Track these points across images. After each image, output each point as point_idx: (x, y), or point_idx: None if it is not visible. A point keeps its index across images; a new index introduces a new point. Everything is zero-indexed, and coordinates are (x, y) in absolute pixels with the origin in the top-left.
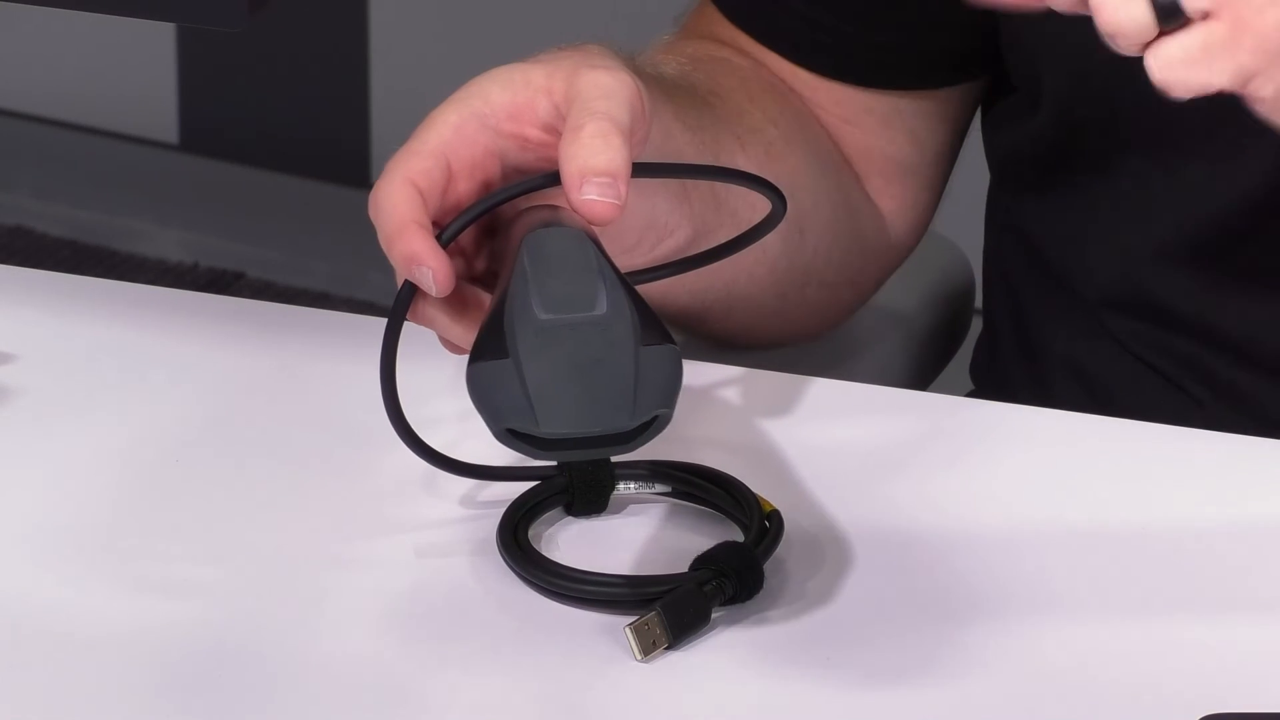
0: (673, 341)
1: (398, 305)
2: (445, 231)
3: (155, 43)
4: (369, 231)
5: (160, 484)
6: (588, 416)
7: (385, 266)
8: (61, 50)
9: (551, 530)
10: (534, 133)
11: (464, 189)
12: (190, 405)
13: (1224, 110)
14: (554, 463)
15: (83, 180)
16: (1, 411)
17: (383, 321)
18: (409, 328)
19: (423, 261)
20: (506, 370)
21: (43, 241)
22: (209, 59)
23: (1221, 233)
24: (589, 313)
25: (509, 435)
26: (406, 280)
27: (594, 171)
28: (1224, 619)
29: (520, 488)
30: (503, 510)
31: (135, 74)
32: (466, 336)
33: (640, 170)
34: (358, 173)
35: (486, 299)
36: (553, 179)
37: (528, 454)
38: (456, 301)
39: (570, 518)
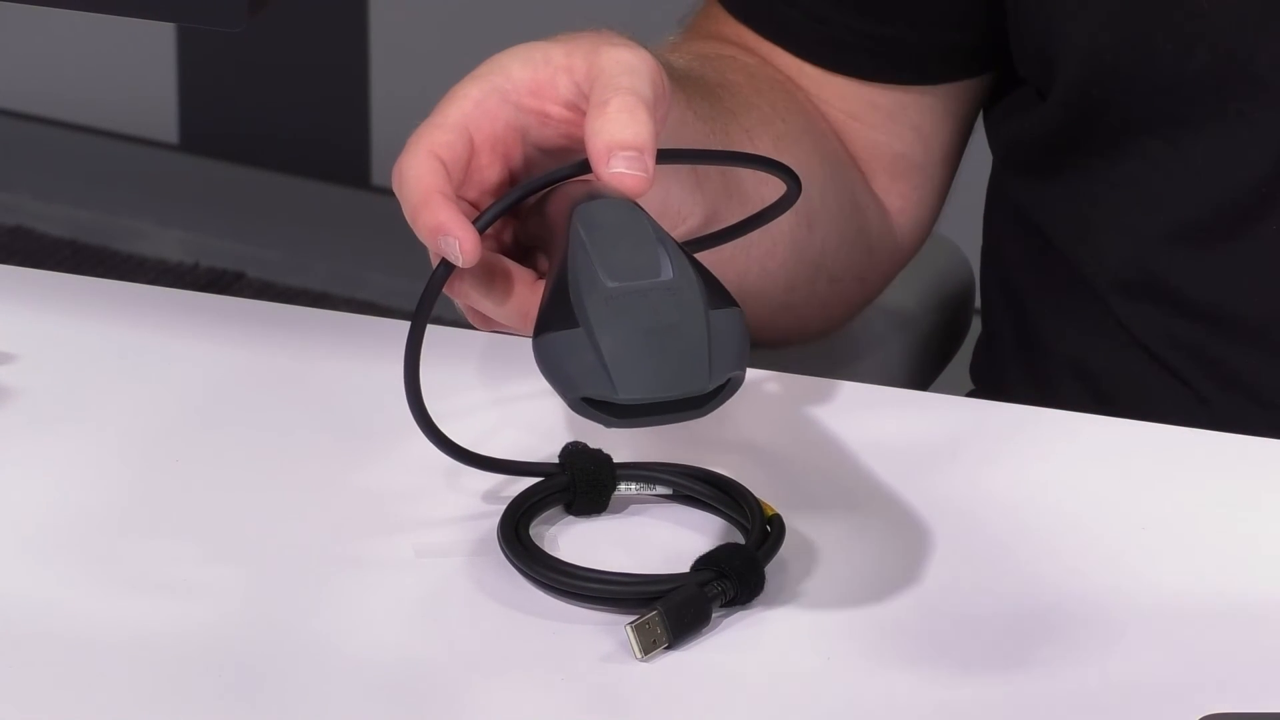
0: (736, 304)
1: (432, 284)
2: (479, 220)
3: (155, 43)
4: (369, 231)
5: (160, 484)
6: (665, 381)
7: (385, 267)
8: (61, 50)
9: (553, 529)
10: (555, 109)
11: (486, 163)
12: (190, 405)
13: (1234, 90)
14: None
15: (83, 180)
16: (1, 411)
17: (383, 321)
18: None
19: (449, 231)
20: (578, 339)
21: (43, 241)
22: (209, 59)
23: (1232, 213)
24: (656, 278)
25: (584, 404)
26: (442, 261)
27: (621, 145)
28: (1224, 619)
29: (522, 484)
30: (502, 509)
31: (135, 74)
32: (497, 308)
33: (661, 156)
34: (358, 173)
35: (515, 270)
36: (583, 167)
37: (603, 423)
38: (485, 273)
39: (571, 517)
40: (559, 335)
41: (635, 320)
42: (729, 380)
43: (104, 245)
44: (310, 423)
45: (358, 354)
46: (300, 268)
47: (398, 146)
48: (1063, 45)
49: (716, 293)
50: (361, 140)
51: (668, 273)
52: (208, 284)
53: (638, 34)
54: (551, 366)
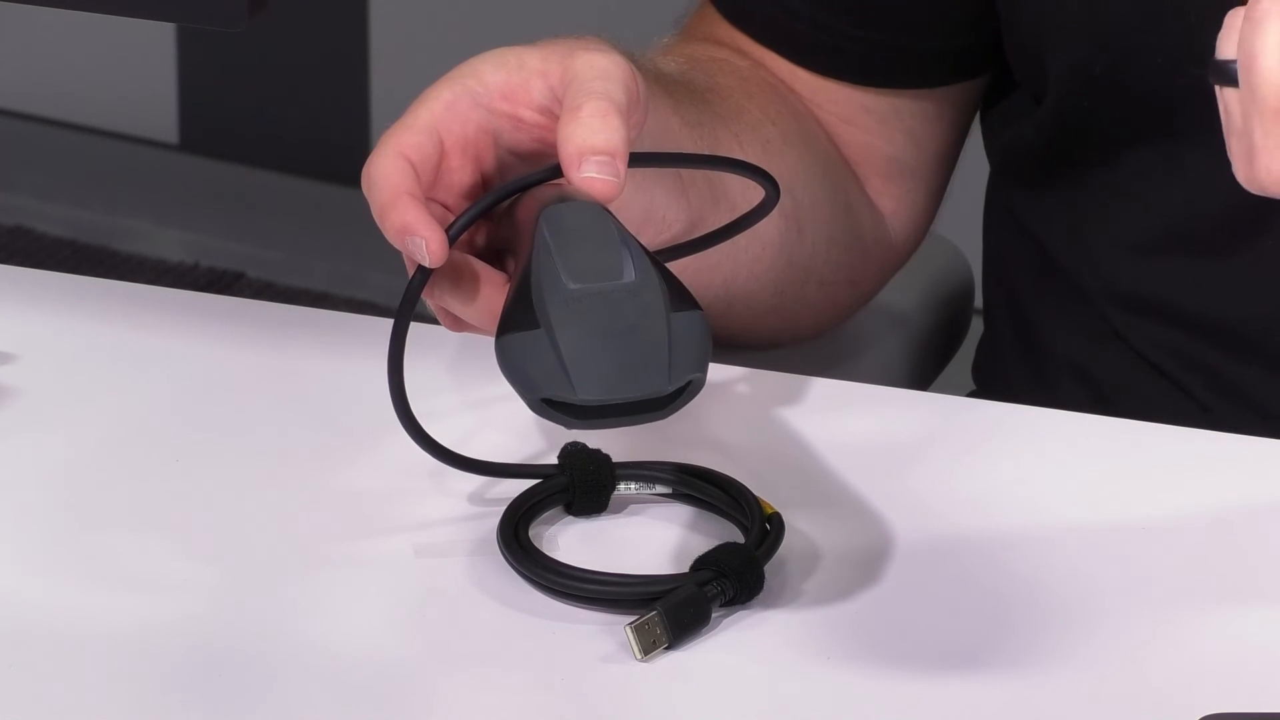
0: (699, 307)
1: (409, 293)
2: (452, 227)
3: (155, 43)
4: (369, 231)
5: (160, 484)
6: (625, 382)
7: (385, 266)
8: (61, 50)
9: (552, 530)
10: (528, 114)
11: (456, 165)
12: (190, 405)
13: None
14: (556, 457)
15: (83, 180)
16: (1, 411)
17: (383, 321)
18: (413, 330)
19: (416, 231)
20: (539, 340)
21: (43, 241)
22: (209, 59)
23: (1226, 224)
24: (618, 280)
25: (544, 405)
26: (419, 268)
27: (592, 150)
28: (1224, 619)
29: (521, 485)
30: (502, 510)
31: (135, 74)
32: (465, 308)
33: (636, 160)
34: (358, 173)
35: (486, 271)
36: (555, 172)
37: (563, 424)
38: (454, 273)
39: (570, 518)
40: (520, 336)
41: (595, 322)
42: (690, 382)
43: (104, 245)
44: (310, 423)
45: (358, 354)
46: (300, 268)
47: None
48: (1053, 55)
49: (678, 295)
50: (361, 140)
51: (630, 275)
52: (208, 284)
53: (631, 35)
54: (512, 367)
